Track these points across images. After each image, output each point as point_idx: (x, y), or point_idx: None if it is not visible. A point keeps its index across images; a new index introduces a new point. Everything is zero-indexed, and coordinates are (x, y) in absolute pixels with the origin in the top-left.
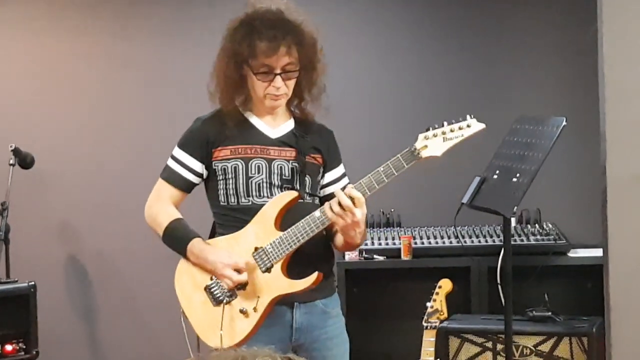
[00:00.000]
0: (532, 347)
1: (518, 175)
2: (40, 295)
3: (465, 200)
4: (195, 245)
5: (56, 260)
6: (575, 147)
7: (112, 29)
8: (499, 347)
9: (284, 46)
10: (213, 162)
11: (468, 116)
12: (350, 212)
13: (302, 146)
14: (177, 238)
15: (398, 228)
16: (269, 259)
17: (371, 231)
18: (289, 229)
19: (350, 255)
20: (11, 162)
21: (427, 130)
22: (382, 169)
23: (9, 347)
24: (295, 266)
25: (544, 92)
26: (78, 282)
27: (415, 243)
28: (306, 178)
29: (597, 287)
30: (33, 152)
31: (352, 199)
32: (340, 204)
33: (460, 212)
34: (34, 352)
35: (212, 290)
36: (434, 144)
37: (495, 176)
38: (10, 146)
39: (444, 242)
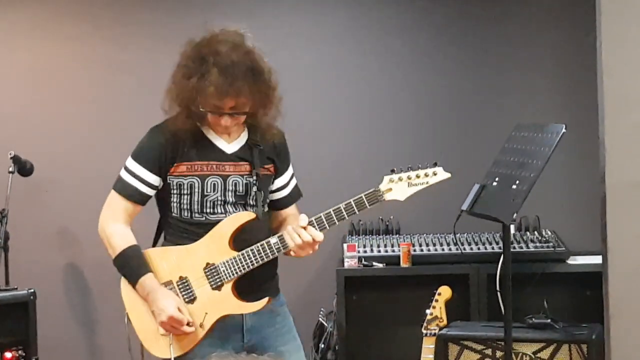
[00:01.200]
0: (531, 354)
1: (517, 182)
2: (39, 302)
3: (464, 207)
4: (147, 283)
5: (55, 267)
6: (574, 154)
7: (110, 35)
8: (499, 354)
9: (231, 95)
10: (169, 177)
11: (435, 163)
12: (309, 246)
13: (256, 158)
14: (129, 268)
15: (397, 235)
16: (219, 277)
17: (370, 238)
18: (243, 251)
19: (350, 263)
20: (10, 169)
21: (393, 172)
22: (343, 206)
23: (8, 355)
24: (242, 280)
25: (542, 99)
26: (77, 289)
27: (415, 250)
28: (260, 192)
29: (596, 294)
30: (32, 159)
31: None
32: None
33: (459, 219)
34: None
35: None
36: (398, 188)
37: (495, 183)
38: (10, 153)
39: (443, 250)
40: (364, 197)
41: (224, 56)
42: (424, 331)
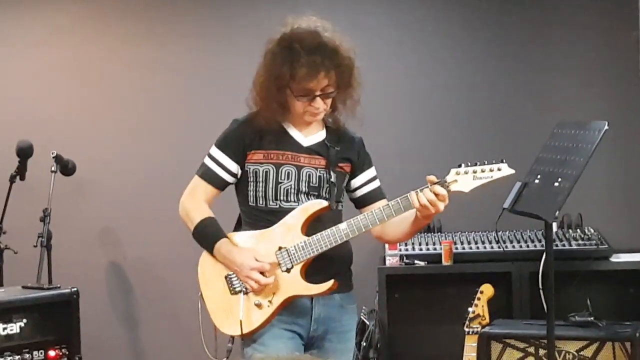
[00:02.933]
0: (574, 352)
1: (560, 180)
2: (81, 301)
3: (506, 205)
4: (223, 246)
5: (97, 266)
6: (616, 152)
7: (154, 36)
8: (542, 352)
9: (323, 71)
10: (246, 164)
11: (501, 160)
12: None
13: (332, 156)
14: (206, 235)
15: (439, 233)
16: (290, 260)
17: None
18: (314, 235)
19: (391, 261)
20: (53, 169)
21: (460, 166)
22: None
23: (52, 353)
24: (314, 265)
25: (585, 96)
26: (119, 288)
27: (456, 248)
28: (333, 185)
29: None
30: (74, 159)
31: (436, 194)
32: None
33: (500, 217)
34: (77, 358)
35: (232, 279)
36: (463, 180)
37: (537, 181)
38: (52, 153)
39: (484, 247)
40: (429, 185)
41: (309, 41)
42: (466, 329)
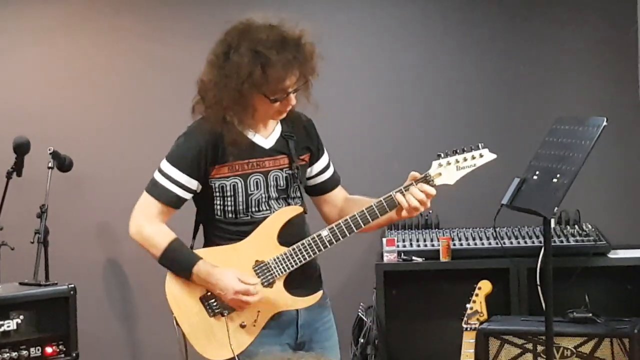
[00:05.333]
0: (572, 349)
1: (558, 176)
2: (79, 297)
3: (505, 201)
4: (201, 270)
5: (95, 263)
6: (614, 147)
7: (149, 31)
8: (540, 348)
9: (295, 68)
10: (210, 180)
11: (480, 145)
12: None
13: (292, 149)
14: (179, 261)
15: (437, 229)
16: (271, 274)
17: (409, 233)
18: (294, 246)
19: (389, 257)
20: (50, 165)
21: (439, 157)
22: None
23: (49, 350)
24: (292, 274)
25: (583, 92)
26: (116, 284)
27: (454, 244)
28: (299, 184)
29: (638, 288)
30: (71, 155)
31: (426, 194)
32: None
33: (499, 213)
34: (74, 355)
35: (209, 300)
36: (447, 172)
37: (535, 177)
38: (49, 149)
39: (482, 244)
40: (414, 183)
41: (272, 38)
42: (465, 325)
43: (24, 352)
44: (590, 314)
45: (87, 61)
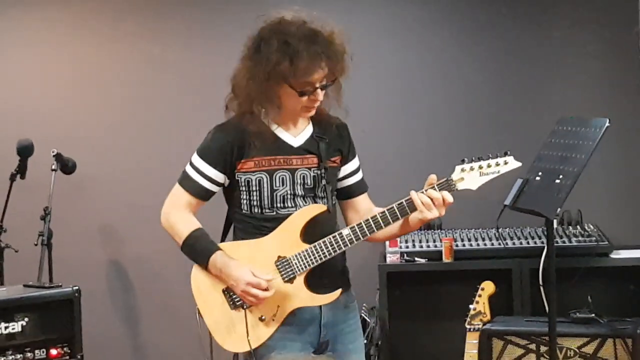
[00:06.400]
0: (576, 349)
1: (561, 176)
2: (82, 299)
3: (507, 202)
4: (218, 260)
5: (98, 265)
6: (616, 148)
7: (152, 33)
8: (543, 349)
9: (324, 60)
10: (236, 174)
11: (506, 153)
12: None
13: (323, 151)
14: (198, 250)
15: (439, 230)
16: (292, 270)
17: (412, 233)
18: (316, 244)
19: (392, 258)
20: (53, 167)
21: (463, 162)
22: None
23: (53, 352)
24: (313, 271)
25: (585, 93)
26: (120, 286)
27: (457, 245)
28: (328, 184)
29: None
30: (75, 157)
31: (431, 198)
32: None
33: (501, 214)
34: (79, 357)
35: (231, 293)
36: (470, 177)
37: (538, 178)
38: (52, 152)
39: (485, 244)
40: (436, 187)
41: (302, 31)
42: (468, 326)
43: (29, 355)
44: (593, 315)
45: (91, 64)
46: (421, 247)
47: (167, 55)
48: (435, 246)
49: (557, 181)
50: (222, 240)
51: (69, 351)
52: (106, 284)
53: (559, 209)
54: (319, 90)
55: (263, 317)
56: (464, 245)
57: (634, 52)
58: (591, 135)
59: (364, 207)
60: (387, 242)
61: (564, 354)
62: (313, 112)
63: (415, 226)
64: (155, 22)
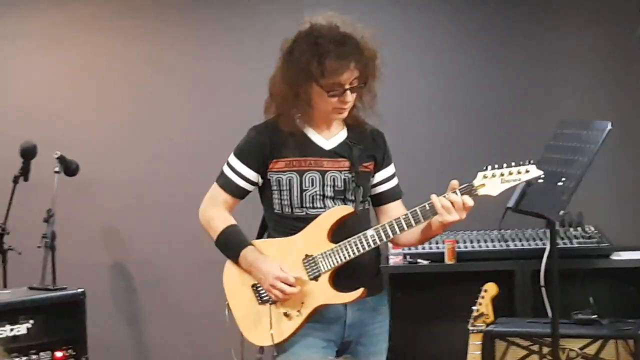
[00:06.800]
0: (578, 350)
1: (564, 179)
2: (86, 301)
3: (510, 204)
4: (249, 254)
5: (101, 267)
6: (616, 150)
7: (154, 35)
8: (545, 350)
9: (353, 61)
10: (268, 173)
11: (528, 161)
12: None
13: (355, 156)
14: (230, 244)
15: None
16: (317, 268)
17: None
18: (341, 243)
19: (395, 260)
20: (56, 169)
21: (486, 169)
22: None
23: (59, 354)
24: (343, 271)
25: (586, 96)
26: (123, 288)
27: (459, 247)
28: (358, 188)
29: None
30: (78, 159)
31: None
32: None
33: (504, 216)
34: (84, 359)
35: (259, 289)
36: (491, 183)
37: (541, 180)
38: (56, 154)
39: (487, 246)
40: (458, 192)
41: (333, 33)
42: (471, 328)
43: (34, 357)
44: (595, 316)
45: (93, 66)
46: (423, 248)
47: (169, 57)
48: (438, 248)
49: (560, 184)
50: (258, 239)
51: (74, 353)
52: (109, 286)
53: (562, 212)
54: (348, 92)
55: (287, 313)
56: (466, 247)
57: (635, 55)
58: (593, 138)
59: (397, 214)
60: (390, 245)
61: (566, 355)
62: (344, 114)
63: (437, 230)
64: (158, 23)
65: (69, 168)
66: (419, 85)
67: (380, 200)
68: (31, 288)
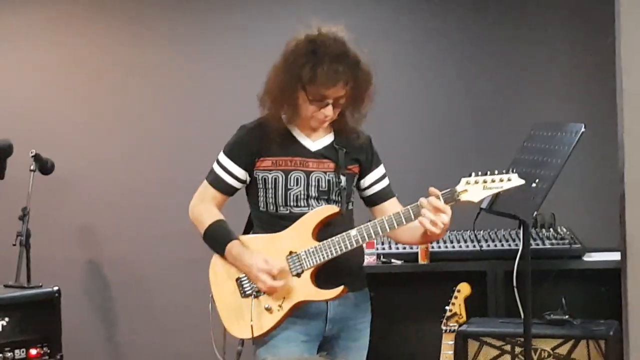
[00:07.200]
0: (550, 350)
1: (537, 180)
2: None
3: (484, 205)
4: (234, 248)
5: (76, 264)
6: (589, 152)
7: (129, 36)
8: (518, 350)
9: (342, 81)
10: (255, 171)
11: (511, 170)
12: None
13: (341, 159)
14: (217, 238)
15: None
16: (301, 265)
17: None
18: (324, 241)
19: (368, 260)
20: (32, 168)
21: (470, 175)
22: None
23: (33, 352)
24: (326, 268)
25: (561, 98)
26: (98, 286)
27: (433, 247)
28: (343, 190)
29: (612, 290)
30: (53, 158)
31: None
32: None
33: (477, 217)
34: (59, 357)
35: (243, 283)
36: (474, 190)
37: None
38: (31, 152)
39: (460, 247)
40: (441, 196)
41: (333, 48)
42: (444, 327)
43: (9, 354)
44: (567, 316)
45: (69, 65)
46: (397, 248)
47: (145, 57)
48: (412, 248)
49: (533, 185)
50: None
51: (48, 351)
52: (84, 284)
53: (535, 213)
54: (329, 106)
55: (269, 307)
56: (439, 247)
57: (609, 57)
58: (567, 140)
59: (391, 212)
60: (364, 245)
61: (538, 355)
62: (323, 125)
63: (433, 234)
64: (133, 24)
65: (44, 166)
66: (390, 89)
67: (375, 200)
68: (6, 286)
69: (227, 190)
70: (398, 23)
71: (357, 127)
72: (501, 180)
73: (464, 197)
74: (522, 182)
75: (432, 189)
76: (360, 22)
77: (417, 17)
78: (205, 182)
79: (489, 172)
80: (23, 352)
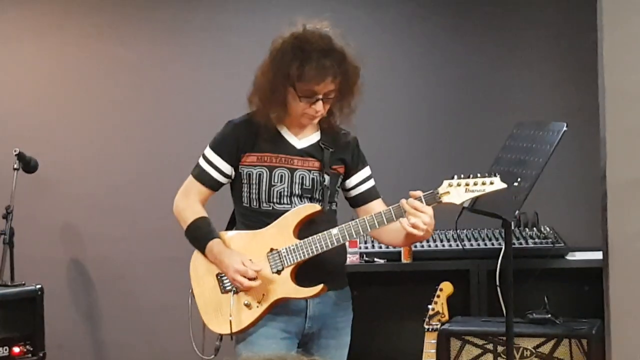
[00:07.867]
0: (532, 349)
1: (519, 179)
2: (44, 297)
3: (466, 204)
4: (215, 247)
5: (60, 263)
6: (571, 151)
7: (116, 33)
8: (500, 348)
9: (330, 76)
10: (240, 166)
11: (493, 173)
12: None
13: (326, 158)
14: (198, 236)
15: None
16: (281, 262)
17: None
18: (305, 239)
19: (351, 259)
20: (15, 166)
21: (452, 178)
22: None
23: (16, 349)
24: (306, 266)
25: (543, 97)
26: (82, 285)
27: (415, 246)
28: (326, 189)
29: (595, 289)
30: (37, 156)
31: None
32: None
33: (460, 216)
34: (41, 354)
35: (223, 278)
36: (456, 192)
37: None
38: (15, 151)
39: (443, 246)
40: (422, 198)
41: (320, 43)
42: (426, 326)
43: None
44: (549, 315)
45: (53, 63)
46: (380, 247)
47: (130, 55)
48: (394, 247)
49: (516, 184)
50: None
51: (31, 349)
52: (67, 282)
53: (517, 212)
54: (319, 102)
55: (248, 303)
56: (422, 246)
57: (591, 56)
58: (549, 139)
59: (376, 212)
60: (347, 243)
61: (520, 353)
62: (314, 121)
63: (416, 236)
64: (119, 23)
65: (27, 165)
66: (375, 88)
67: (360, 201)
68: None
69: (212, 184)
70: (381, 22)
71: (346, 123)
72: (483, 184)
73: (445, 199)
74: (505, 186)
75: (412, 192)
76: (344, 23)
77: (399, 17)
78: (190, 176)
79: (471, 175)
80: (6, 350)
